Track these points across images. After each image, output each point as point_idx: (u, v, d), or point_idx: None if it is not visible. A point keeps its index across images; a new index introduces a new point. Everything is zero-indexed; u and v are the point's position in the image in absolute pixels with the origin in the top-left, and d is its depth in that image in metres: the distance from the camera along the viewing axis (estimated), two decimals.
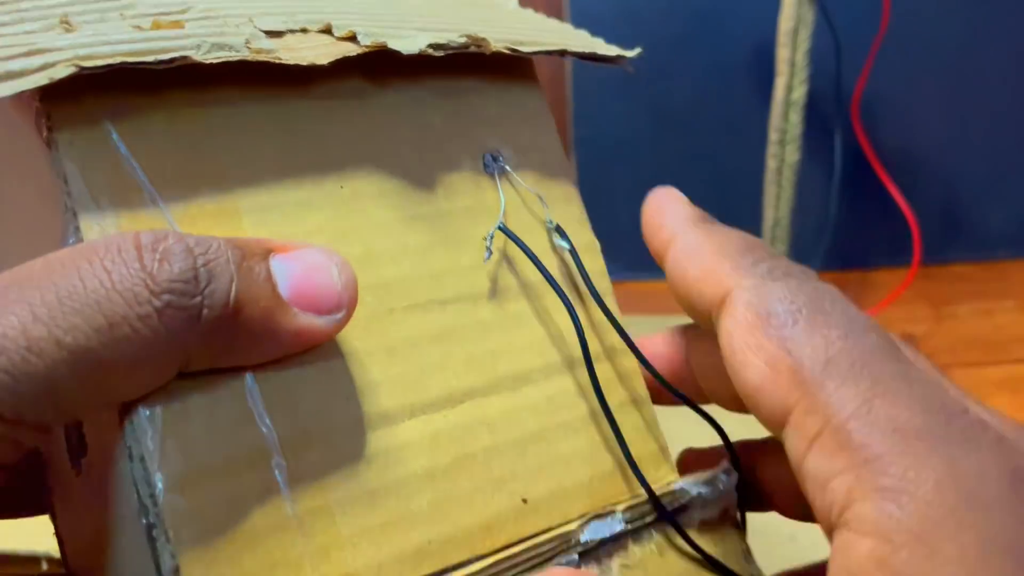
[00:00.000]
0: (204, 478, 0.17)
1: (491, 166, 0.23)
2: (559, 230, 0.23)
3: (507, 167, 0.23)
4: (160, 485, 0.16)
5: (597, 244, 0.25)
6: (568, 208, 0.24)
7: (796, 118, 0.55)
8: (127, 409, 0.16)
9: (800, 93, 0.55)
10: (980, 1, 0.71)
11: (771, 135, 0.56)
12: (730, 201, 0.75)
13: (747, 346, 0.17)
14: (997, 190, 0.76)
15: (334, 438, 0.19)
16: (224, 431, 0.17)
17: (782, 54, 0.54)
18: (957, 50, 0.73)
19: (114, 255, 0.15)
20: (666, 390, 0.23)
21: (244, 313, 0.16)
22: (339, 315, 0.18)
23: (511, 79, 0.24)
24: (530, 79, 0.24)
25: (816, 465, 0.16)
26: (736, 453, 0.23)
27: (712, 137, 0.74)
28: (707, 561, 0.21)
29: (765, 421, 0.17)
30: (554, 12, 0.74)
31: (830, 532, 0.15)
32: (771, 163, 0.57)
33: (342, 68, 0.20)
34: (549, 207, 0.24)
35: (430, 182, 0.22)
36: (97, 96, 0.17)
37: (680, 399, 0.23)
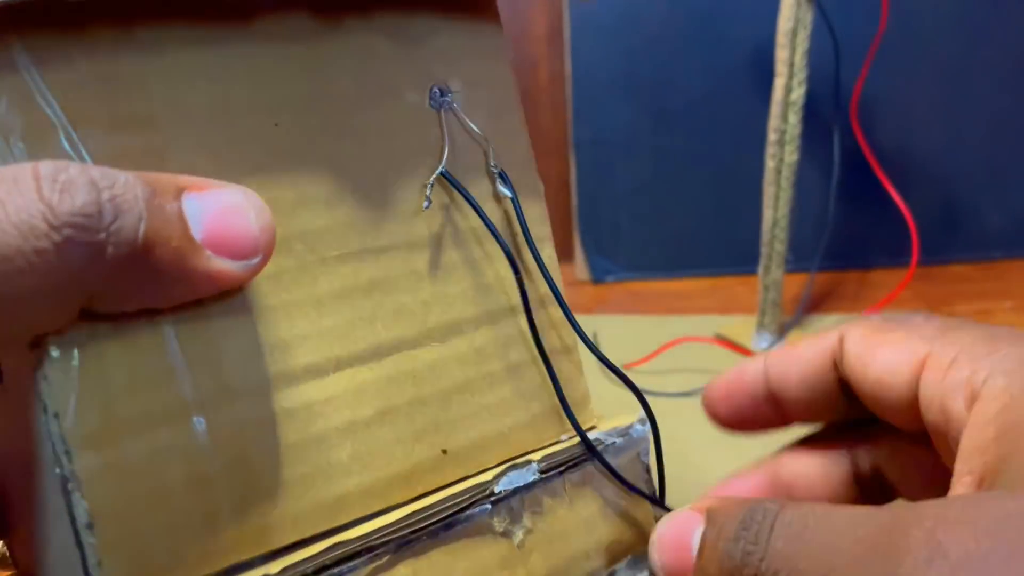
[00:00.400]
0: (121, 434, 0.16)
1: (437, 101, 0.22)
2: (503, 176, 0.23)
3: (454, 103, 0.22)
4: (74, 443, 0.16)
5: (541, 187, 0.24)
6: (514, 147, 0.24)
7: (795, 119, 0.55)
8: (39, 355, 0.16)
9: (799, 94, 0.55)
10: (979, 2, 0.72)
11: (770, 135, 0.56)
12: (729, 201, 0.75)
13: (879, 340, 0.21)
14: (995, 190, 0.76)
15: (257, 393, 0.18)
16: (143, 386, 0.17)
17: (781, 55, 0.54)
18: (955, 51, 0.73)
19: (9, 185, 0.14)
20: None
21: (154, 253, 0.15)
22: (255, 260, 0.17)
23: (468, 15, 0.23)
24: (490, 16, 0.24)
25: (956, 376, 0.19)
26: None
27: (711, 137, 0.74)
28: (639, 494, 0.22)
29: (894, 384, 0.21)
30: (555, 14, 0.74)
31: (958, 431, 0.19)
32: (770, 163, 0.57)
33: (287, 3, 0.20)
34: (496, 146, 0.23)
35: (372, 120, 0.21)
36: (14, 30, 0.16)
37: (604, 363, 0.24)
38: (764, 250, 0.59)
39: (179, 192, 0.16)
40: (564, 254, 0.81)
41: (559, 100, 0.77)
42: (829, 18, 0.57)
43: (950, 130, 0.74)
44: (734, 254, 0.75)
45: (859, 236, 0.75)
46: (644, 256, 0.76)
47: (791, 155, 0.56)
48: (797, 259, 0.61)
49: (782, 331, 0.61)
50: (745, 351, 0.61)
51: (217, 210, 0.17)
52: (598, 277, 0.77)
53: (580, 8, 0.70)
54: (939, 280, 0.74)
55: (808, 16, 0.53)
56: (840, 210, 0.73)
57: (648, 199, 0.75)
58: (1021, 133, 0.75)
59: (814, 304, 0.69)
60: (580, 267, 0.77)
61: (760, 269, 0.60)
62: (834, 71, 0.60)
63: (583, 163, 0.75)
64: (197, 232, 0.16)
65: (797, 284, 0.68)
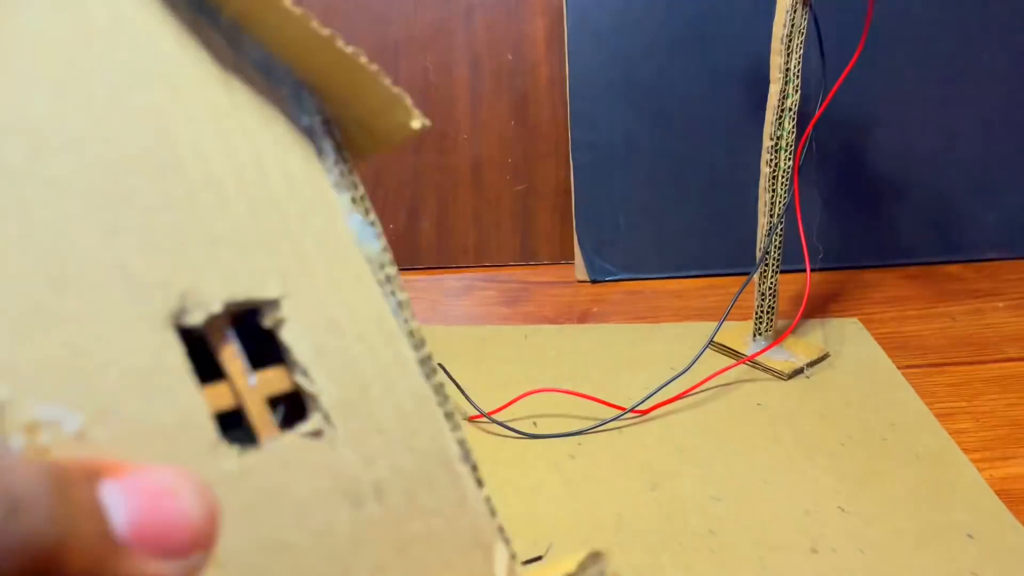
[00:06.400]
0: None
1: None
2: None
3: None
4: None
5: None
6: None
7: (790, 125, 0.56)
8: None
9: (794, 100, 0.55)
10: (972, 4, 0.72)
11: (765, 142, 0.57)
12: (725, 202, 0.76)
13: None
14: (989, 193, 0.77)
15: None
16: None
17: (776, 61, 0.55)
18: (949, 52, 0.73)
19: None
20: None
21: (62, 559, 0.12)
22: (195, 558, 0.14)
23: None
24: None
25: None
26: None
27: (708, 142, 0.75)
28: None
29: None
30: (554, 18, 0.75)
31: None
32: (765, 169, 0.57)
33: None
34: None
35: None
36: None
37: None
38: (759, 255, 0.60)
39: (94, 477, 0.13)
40: (563, 254, 0.82)
41: (558, 103, 0.77)
42: (819, 24, 0.57)
43: (944, 131, 0.75)
44: (730, 254, 0.75)
45: (853, 237, 0.76)
46: (642, 256, 0.77)
47: (787, 161, 0.57)
48: (791, 259, 0.62)
49: (777, 334, 0.62)
50: (741, 357, 0.61)
51: (145, 498, 0.13)
52: (596, 277, 0.78)
53: (579, 12, 0.70)
54: (932, 280, 0.74)
55: (804, 22, 0.53)
56: (835, 211, 0.74)
57: (646, 200, 0.76)
58: (1014, 134, 0.75)
59: (809, 305, 0.70)
60: (579, 267, 0.78)
61: (756, 276, 0.60)
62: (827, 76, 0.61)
63: (582, 165, 0.76)
64: (120, 527, 0.13)
65: (791, 284, 0.69)
